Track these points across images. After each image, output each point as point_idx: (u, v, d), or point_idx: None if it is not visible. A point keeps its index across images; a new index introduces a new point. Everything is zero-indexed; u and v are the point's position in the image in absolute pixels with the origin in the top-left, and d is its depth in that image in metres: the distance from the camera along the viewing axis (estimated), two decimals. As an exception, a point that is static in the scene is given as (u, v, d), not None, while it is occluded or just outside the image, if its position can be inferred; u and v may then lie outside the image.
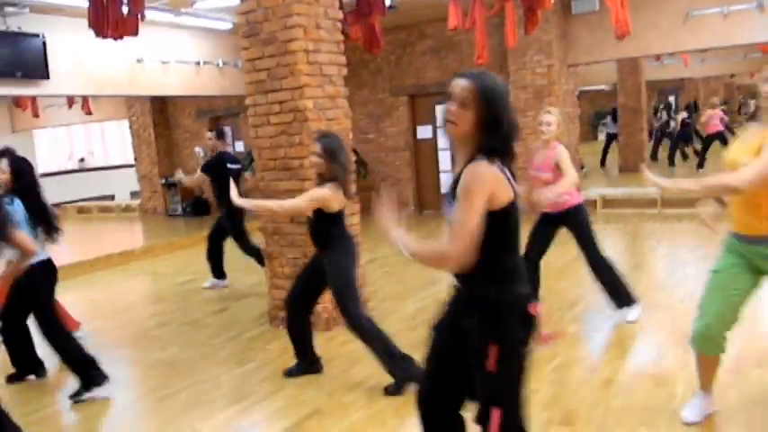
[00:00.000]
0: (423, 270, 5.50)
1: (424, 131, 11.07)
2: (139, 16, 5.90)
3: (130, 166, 14.09)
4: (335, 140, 3.90)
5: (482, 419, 2.11)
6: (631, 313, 4.70)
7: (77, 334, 4.69)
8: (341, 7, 5.71)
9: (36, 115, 13.28)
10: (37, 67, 7.68)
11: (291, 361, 4.18)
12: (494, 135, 2.05)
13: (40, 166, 16.37)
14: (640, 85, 14.33)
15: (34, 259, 3.86)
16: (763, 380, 3.61)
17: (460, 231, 2.00)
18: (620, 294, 4.70)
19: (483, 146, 2.05)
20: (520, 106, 9.49)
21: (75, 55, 8.10)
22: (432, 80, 10.66)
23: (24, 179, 4.05)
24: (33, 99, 12.43)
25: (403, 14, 9.46)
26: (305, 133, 4.81)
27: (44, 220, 4.06)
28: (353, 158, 10.87)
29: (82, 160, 17.64)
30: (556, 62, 9.37)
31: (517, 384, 2.13)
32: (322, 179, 3.87)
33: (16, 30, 7.48)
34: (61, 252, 4.52)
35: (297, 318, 4.07)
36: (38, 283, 4.04)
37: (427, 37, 10.62)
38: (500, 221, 2.05)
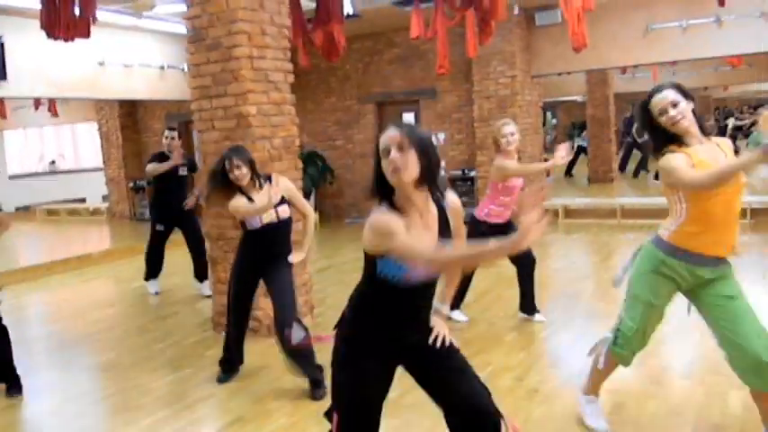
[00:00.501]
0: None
1: (390, 139, 11.10)
2: (91, 18, 5.89)
3: (102, 169, 13.98)
4: (239, 147, 3.95)
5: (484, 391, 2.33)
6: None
7: None
8: (297, 14, 5.71)
9: (3, 116, 13.17)
10: (-6, 68, 7.63)
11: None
12: (434, 172, 2.14)
13: (10, 168, 16.22)
14: (608, 97, 14.51)
15: None
16: (687, 391, 3.64)
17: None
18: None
19: (432, 186, 2.17)
20: (483, 116, 9.61)
21: (35, 57, 8.03)
22: (399, 88, 10.72)
23: None
24: (0, 100, 12.33)
25: (370, 23, 9.52)
26: (249, 139, 4.81)
27: None
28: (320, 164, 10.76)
29: (53, 163, 17.46)
30: (519, 73, 9.45)
31: None
32: (249, 186, 3.86)
33: (-27, 31, 7.44)
34: (22, 255, 4.49)
35: (242, 325, 4.11)
36: None
37: (394, 46, 10.68)
38: None
